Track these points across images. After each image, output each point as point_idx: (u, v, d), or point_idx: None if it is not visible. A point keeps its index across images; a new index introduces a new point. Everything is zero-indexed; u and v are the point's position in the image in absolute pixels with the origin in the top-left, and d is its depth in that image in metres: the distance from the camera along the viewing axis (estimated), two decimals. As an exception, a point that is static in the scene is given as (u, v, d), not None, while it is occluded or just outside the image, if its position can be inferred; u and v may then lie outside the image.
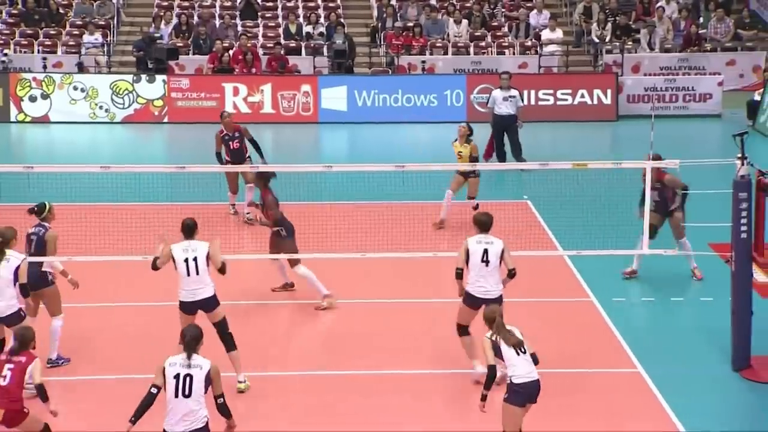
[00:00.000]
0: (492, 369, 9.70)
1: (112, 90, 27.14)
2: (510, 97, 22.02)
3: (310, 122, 27.16)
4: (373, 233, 15.70)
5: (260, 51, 28.61)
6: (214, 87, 27.23)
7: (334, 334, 13.56)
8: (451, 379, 12.04)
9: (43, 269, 12.10)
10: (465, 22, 29.89)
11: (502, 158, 22.00)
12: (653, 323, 14.16)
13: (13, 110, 27.13)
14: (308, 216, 15.92)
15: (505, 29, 30.44)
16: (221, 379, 9.23)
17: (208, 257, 11.42)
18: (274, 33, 30.13)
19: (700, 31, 29.71)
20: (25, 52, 28.96)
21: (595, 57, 29.48)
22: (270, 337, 13.46)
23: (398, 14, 30.50)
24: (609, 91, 27.49)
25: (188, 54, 28.75)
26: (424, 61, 28.53)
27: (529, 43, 29.63)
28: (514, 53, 29.38)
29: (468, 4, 30.97)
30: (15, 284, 11.17)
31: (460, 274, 11.66)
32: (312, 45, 29.04)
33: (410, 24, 29.82)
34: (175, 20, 29.85)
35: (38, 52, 28.96)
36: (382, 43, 29.83)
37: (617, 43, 29.20)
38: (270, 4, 31.64)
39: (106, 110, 27.16)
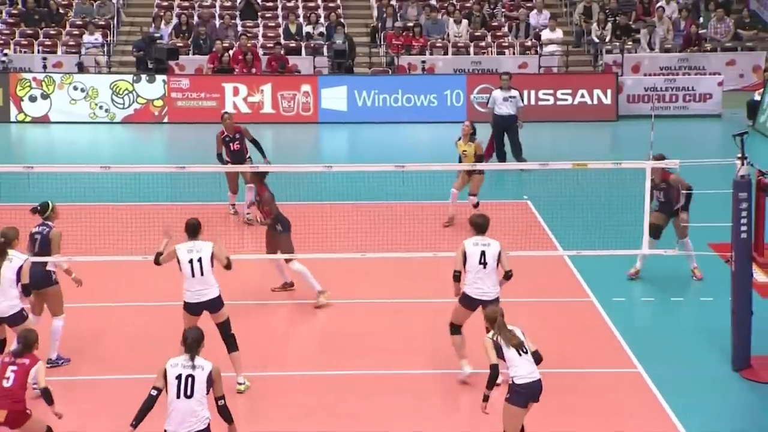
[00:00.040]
0: (494, 368, 9.66)
1: (112, 90, 27.12)
2: (510, 97, 22.01)
3: (310, 122, 27.14)
4: (373, 233, 15.70)
5: (260, 51, 28.59)
6: (214, 87, 27.21)
7: (334, 334, 13.55)
8: (450, 379, 12.02)
9: (47, 268, 12.13)
10: (465, 22, 29.87)
11: (502, 158, 21.98)
12: (653, 323, 14.17)
13: (13, 110, 27.11)
14: (308, 216, 15.93)
15: (505, 29, 30.42)
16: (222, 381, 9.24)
17: (212, 257, 11.43)
18: (274, 33, 30.11)
19: (700, 31, 29.69)
20: (25, 52, 28.94)
21: (595, 57, 29.46)
22: (270, 337, 13.46)
23: (398, 14, 30.47)
24: (609, 91, 27.47)
25: (188, 54, 28.73)
26: (424, 61, 28.50)
27: (529, 43, 29.60)
28: (514, 53, 29.35)
29: (468, 4, 30.95)
30: (18, 284, 11.18)
31: (457, 277, 11.65)
32: (312, 45, 29.02)
33: (410, 24, 29.79)
34: (175, 20, 29.83)
35: (38, 52, 28.94)
36: (382, 43, 29.81)
37: (617, 43, 29.18)
38: (270, 4, 31.62)
39: (106, 110, 27.14)
